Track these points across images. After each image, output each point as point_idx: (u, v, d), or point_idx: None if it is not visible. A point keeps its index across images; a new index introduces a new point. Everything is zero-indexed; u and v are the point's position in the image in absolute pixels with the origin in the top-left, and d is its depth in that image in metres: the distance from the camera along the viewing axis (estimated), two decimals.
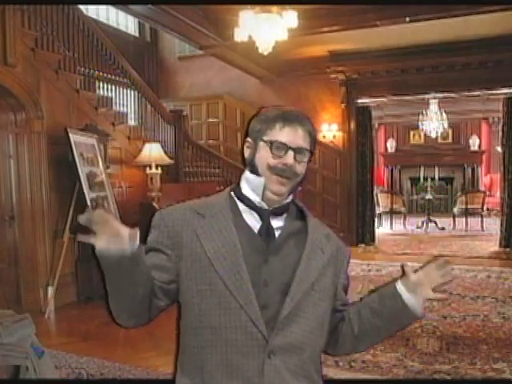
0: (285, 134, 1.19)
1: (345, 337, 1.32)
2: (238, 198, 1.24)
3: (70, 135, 4.48)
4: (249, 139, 1.24)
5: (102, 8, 8.17)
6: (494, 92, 7.71)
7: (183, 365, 1.21)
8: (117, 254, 1.04)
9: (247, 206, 1.22)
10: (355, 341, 1.32)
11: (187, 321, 1.19)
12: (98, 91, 5.88)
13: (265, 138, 1.20)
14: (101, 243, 1.03)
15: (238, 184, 1.27)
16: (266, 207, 1.21)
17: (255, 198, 1.21)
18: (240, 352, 1.12)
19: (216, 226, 1.18)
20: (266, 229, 1.21)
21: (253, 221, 1.22)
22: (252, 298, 1.13)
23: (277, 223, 1.23)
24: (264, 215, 1.21)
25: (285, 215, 1.25)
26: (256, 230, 1.21)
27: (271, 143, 1.18)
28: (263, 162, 1.20)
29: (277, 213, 1.23)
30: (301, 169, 1.21)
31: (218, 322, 1.13)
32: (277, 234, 1.22)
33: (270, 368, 1.12)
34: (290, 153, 1.18)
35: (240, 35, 4.81)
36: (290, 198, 1.25)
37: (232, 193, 1.26)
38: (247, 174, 1.24)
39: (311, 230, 1.26)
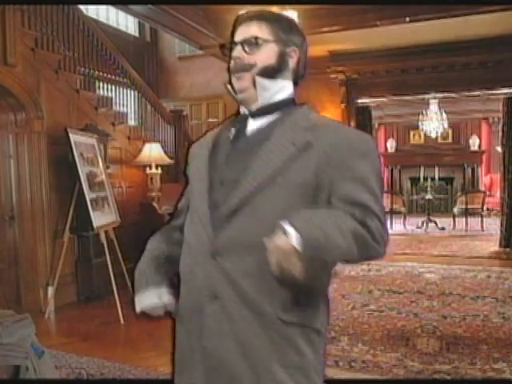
0: (237, 34, 1.18)
1: None
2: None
3: (70, 135, 4.48)
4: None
5: (102, 8, 8.17)
6: (493, 92, 7.70)
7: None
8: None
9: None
10: None
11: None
12: (98, 91, 5.89)
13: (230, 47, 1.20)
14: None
15: None
16: (247, 112, 1.20)
17: (241, 108, 1.23)
18: (194, 256, 1.15)
19: (199, 151, 1.25)
20: (236, 132, 1.20)
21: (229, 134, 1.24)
22: (204, 199, 1.14)
23: (254, 124, 1.18)
24: (241, 120, 1.21)
25: (271, 116, 1.17)
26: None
27: (221, 47, 1.21)
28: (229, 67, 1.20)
29: (258, 114, 1.17)
30: (254, 58, 1.14)
31: (186, 232, 1.22)
32: (251, 133, 1.19)
33: (213, 270, 1.08)
34: (236, 47, 1.16)
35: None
36: (277, 97, 1.18)
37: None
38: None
39: (288, 120, 1.16)
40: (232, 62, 1.16)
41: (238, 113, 1.24)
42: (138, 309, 1.22)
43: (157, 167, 5.84)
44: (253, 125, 1.18)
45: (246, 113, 1.20)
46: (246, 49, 1.15)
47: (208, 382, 1.11)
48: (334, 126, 1.17)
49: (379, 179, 1.13)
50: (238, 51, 1.16)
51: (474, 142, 13.07)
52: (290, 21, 1.22)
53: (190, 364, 1.15)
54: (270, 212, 1.06)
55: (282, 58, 1.17)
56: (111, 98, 6.15)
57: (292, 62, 1.19)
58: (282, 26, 1.18)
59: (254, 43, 1.15)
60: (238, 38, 1.17)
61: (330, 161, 1.07)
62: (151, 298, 1.20)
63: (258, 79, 1.15)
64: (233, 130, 1.20)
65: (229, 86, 1.18)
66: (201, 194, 1.16)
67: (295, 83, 1.24)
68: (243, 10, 4.26)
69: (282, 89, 1.19)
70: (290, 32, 1.19)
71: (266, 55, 1.15)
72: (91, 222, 4.41)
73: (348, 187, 1.07)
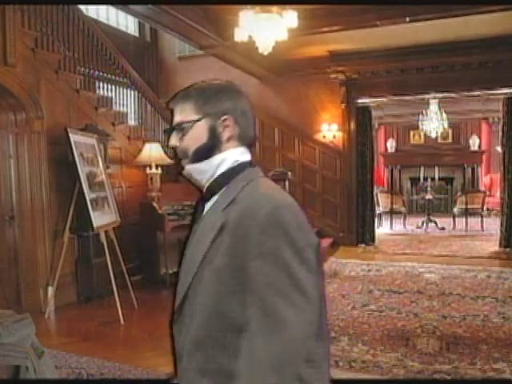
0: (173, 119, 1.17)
1: None
2: None
3: (70, 135, 4.48)
4: None
5: (102, 8, 8.16)
6: (493, 92, 7.70)
7: None
8: None
9: None
10: None
11: None
12: (98, 91, 5.89)
13: None
14: None
15: None
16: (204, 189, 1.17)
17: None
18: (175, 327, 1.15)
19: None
20: (194, 214, 1.21)
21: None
22: (180, 288, 1.13)
23: (206, 207, 1.16)
24: (199, 201, 1.19)
25: (215, 196, 1.13)
26: None
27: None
28: None
29: (208, 197, 1.14)
30: (187, 143, 1.12)
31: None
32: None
33: (180, 373, 1.11)
34: (172, 134, 1.15)
35: (240, 35, 4.80)
36: (218, 173, 1.12)
37: None
38: None
39: (213, 204, 1.12)
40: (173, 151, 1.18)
41: None
42: None
43: (157, 167, 5.84)
44: (206, 207, 1.16)
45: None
46: (178, 135, 1.13)
47: None
48: (249, 198, 1.05)
49: (296, 250, 0.98)
50: (172, 139, 1.15)
51: (474, 142, 13.07)
52: (215, 89, 1.14)
53: None
54: (208, 297, 1.04)
55: (214, 133, 1.11)
56: (111, 98, 6.15)
57: (228, 131, 1.11)
58: (207, 98, 1.12)
59: (180, 129, 1.12)
60: (173, 123, 1.16)
61: (237, 240, 1.00)
62: None
63: (191, 167, 1.13)
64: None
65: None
66: (182, 272, 1.18)
67: (248, 146, 1.17)
68: (243, 9, 4.24)
69: (221, 163, 1.12)
70: (216, 101, 1.11)
71: (197, 136, 1.11)
72: (91, 221, 4.41)
73: (255, 266, 0.97)
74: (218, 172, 1.12)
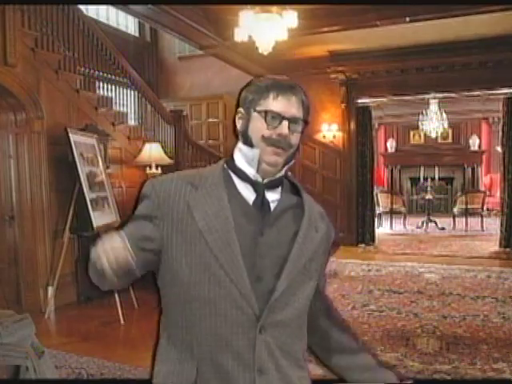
0: (279, 104, 1.15)
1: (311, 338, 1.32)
2: (232, 171, 1.20)
3: (70, 135, 4.48)
4: (241, 109, 1.20)
5: (102, 8, 8.17)
6: (493, 92, 7.71)
7: (169, 341, 1.18)
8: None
9: (241, 178, 1.18)
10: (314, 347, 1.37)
11: (173, 295, 1.17)
12: (98, 91, 5.89)
13: (258, 108, 1.16)
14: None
15: (232, 156, 1.22)
16: (261, 180, 1.18)
17: (250, 171, 1.18)
18: (230, 326, 1.10)
19: (209, 198, 1.14)
20: (261, 201, 1.18)
21: (247, 193, 1.18)
22: (243, 271, 1.10)
23: (272, 196, 1.19)
24: (259, 188, 1.18)
25: (279, 189, 1.21)
26: (251, 202, 1.17)
27: (265, 113, 1.15)
28: (257, 133, 1.16)
29: (271, 186, 1.19)
30: (295, 139, 1.18)
31: (207, 296, 1.10)
32: (272, 206, 1.18)
33: (261, 344, 1.11)
34: (285, 123, 1.14)
35: (240, 35, 4.81)
36: (284, 171, 1.21)
37: (225, 165, 1.22)
38: (241, 145, 1.20)
39: (307, 206, 1.23)
40: (275, 135, 1.15)
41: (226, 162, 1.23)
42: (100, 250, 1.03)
43: (157, 167, 5.84)
44: (271, 196, 1.20)
45: (257, 179, 1.18)
46: (292, 128, 1.16)
47: None
48: (324, 213, 1.32)
49: None
50: (285, 128, 1.15)
51: (474, 142, 13.08)
52: (308, 99, 1.22)
53: None
54: (302, 296, 1.20)
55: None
56: (111, 98, 6.15)
57: None
58: (308, 110, 1.21)
59: (298, 124, 1.17)
60: (282, 111, 1.15)
61: (328, 249, 1.31)
62: (118, 240, 1.04)
63: (290, 163, 1.21)
64: (249, 194, 1.18)
65: (257, 151, 1.16)
66: (235, 263, 1.11)
67: None
68: (243, 9, 4.24)
69: None
70: (309, 111, 1.21)
71: (298, 137, 1.20)
72: (91, 222, 4.41)
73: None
74: (284, 170, 1.22)
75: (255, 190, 1.18)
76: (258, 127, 1.16)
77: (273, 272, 1.14)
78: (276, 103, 1.15)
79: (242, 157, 1.19)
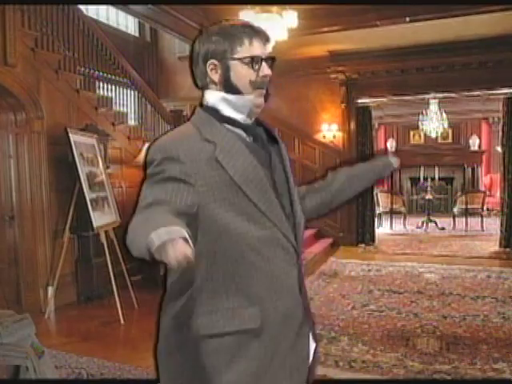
0: (255, 47, 1.19)
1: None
2: (224, 121, 1.20)
3: (70, 135, 4.48)
4: (213, 61, 1.20)
5: (102, 8, 8.16)
6: (493, 92, 7.71)
7: (215, 292, 1.16)
8: None
9: (233, 126, 1.21)
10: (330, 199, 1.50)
11: (221, 249, 1.16)
12: (98, 91, 5.88)
13: (237, 56, 1.18)
14: None
15: (212, 108, 1.22)
16: (249, 122, 1.23)
17: (241, 117, 1.21)
18: (281, 267, 1.18)
19: (233, 150, 1.16)
20: (262, 141, 1.25)
21: (245, 138, 1.22)
22: (282, 214, 1.18)
23: (262, 133, 1.28)
24: (252, 130, 1.23)
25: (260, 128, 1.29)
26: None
27: (251, 59, 1.18)
28: (244, 80, 1.19)
29: (257, 124, 1.27)
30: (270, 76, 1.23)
31: (257, 243, 1.14)
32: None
33: (300, 277, 1.24)
34: (264, 64, 1.20)
35: None
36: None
37: (213, 118, 1.21)
38: (224, 95, 1.20)
39: (274, 131, 1.33)
40: (260, 78, 1.19)
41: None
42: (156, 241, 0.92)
43: None
44: (262, 132, 1.28)
45: (247, 122, 1.23)
46: (270, 66, 1.22)
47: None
48: None
49: None
50: (267, 68, 1.21)
51: (474, 142, 13.06)
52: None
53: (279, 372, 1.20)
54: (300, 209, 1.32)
55: None
56: (111, 98, 6.15)
57: None
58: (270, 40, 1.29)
59: (271, 61, 1.23)
60: (260, 53, 1.20)
61: None
62: (178, 229, 0.95)
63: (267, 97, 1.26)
64: (244, 135, 1.23)
65: (250, 97, 1.20)
66: (274, 209, 1.17)
67: None
68: (243, 9, 4.25)
69: None
70: None
71: None
72: (91, 222, 4.41)
73: None
74: None
75: (248, 133, 1.23)
76: (242, 74, 1.19)
77: (290, 206, 1.23)
78: (253, 48, 1.19)
79: (228, 105, 1.21)
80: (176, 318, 1.20)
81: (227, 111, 1.21)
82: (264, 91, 1.21)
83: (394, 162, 1.58)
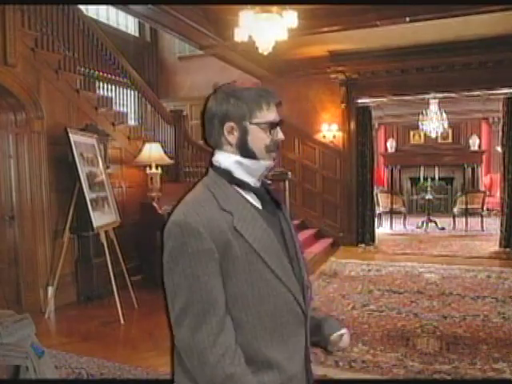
0: (271, 113, 1.22)
1: None
2: (236, 185, 1.21)
3: (70, 135, 4.48)
4: (231, 124, 1.20)
5: (102, 8, 8.17)
6: (493, 92, 7.71)
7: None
8: None
9: (245, 190, 1.22)
10: None
11: (237, 313, 1.16)
12: (98, 91, 5.88)
13: (256, 121, 1.20)
14: None
15: (224, 170, 1.21)
16: (259, 185, 1.25)
17: (251, 180, 1.22)
18: (293, 330, 1.21)
19: (249, 218, 1.17)
20: (271, 206, 1.26)
21: (256, 202, 1.23)
22: (295, 279, 1.21)
23: (266, 196, 1.28)
24: (261, 194, 1.24)
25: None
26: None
27: (270, 125, 1.21)
28: (260, 145, 1.20)
29: (260, 186, 1.27)
30: None
31: (273, 309, 1.17)
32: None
33: (307, 338, 1.26)
34: (278, 128, 1.23)
35: (240, 35, 4.80)
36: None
37: (226, 181, 1.20)
38: (240, 158, 1.21)
39: (276, 195, 1.34)
40: (273, 142, 1.22)
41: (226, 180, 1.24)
42: None
43: (157, 167, 5.84)
44: (266, 196, 1.28)
45: (257, 186, 1.24)
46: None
47: None
48: None
49: None
50: (280, 133, 1.24)
51: (474, 142, 13.06)
52: None
53: None
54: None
55: None
56: (111, 98, 6.15)
57: None
58: None
59: (281, 125, 1.25)
60: (275, 118, 1.23)
61: None
62: None
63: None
64: (257, 203, 1.23)
65: (265, 163, 1.24)
66: (289, 275, 1.19)
67: None
68: (243, 9, 4.24)
69: None
70: None
71: None
72: (91, 222, 4.41)
73: None
74: None
75: (258, 197, 1.23)
76: (259, 139, 1.20)
77: (297, 266, 1.25)
78: (269, 113, 1.21)
79: (242, 168, 1.21)
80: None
81: (240, 174, 1.22)
82: (275, 154, 1.24)
83: (342, 342, 1.42)
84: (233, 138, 1.21)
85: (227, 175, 1.21)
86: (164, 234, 1.15)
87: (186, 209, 1.16)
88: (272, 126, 1.21)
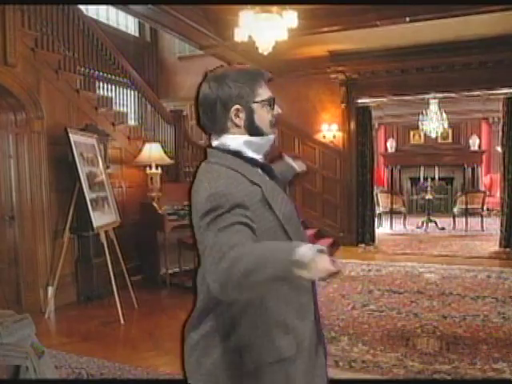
0: (268, 89, 1.28)
1: None
2: (247, 162, 1.26)
3: (70, 135, 4.48)
4: (237, 106, 1.23)
5: (102, 8, 8.17)
6: (493, 92, 7.70)
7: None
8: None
9: (254, 165, 1.27)
10: None
11: None
12: (98, 91, 5.88)
13: (259, 99, 1.25)
14: None
15: (233, 151, 1.24)
16: (260, 157, 1.31)
17: (259, 157, 1.29)
18: (305, 295, 1.29)
19: (273, 191, 1.24)
20: (276, 179, 1.32)
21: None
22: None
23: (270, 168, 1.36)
24: (268, 168, 1.31)
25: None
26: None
27: (270, 101, 1.27)
28: (266, 121, 1.27)
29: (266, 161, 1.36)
30: None
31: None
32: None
33: (315, 301, 1.36)
34: (275, 103, 1.30)
35: (240, 35, 4.80)
36: None
37: (233, 163, 1.22)
38: (249, 138, 1.25)
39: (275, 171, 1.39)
40: (274, 116, 1.29)
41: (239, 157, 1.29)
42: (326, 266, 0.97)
43: (157, 167, 5.84)
44: (272, 171, 1.34)
45: (263, 161, 1.32)
46: None
47: None
48: None
49: None
50: (278, 107, 1.31)
51: (474, 142, 13.05)
52: None
53: None
54: None
55: None
56: (111, 98, 6.15)
57: None
58: None
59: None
60: (272, 93, 1.30)
61: None
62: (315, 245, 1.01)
63: None
64: (260, 171, 1.29)
65: (271, 137, 1.31)
66: (302, 240, 1.21)
67: None
68: (243, 9, 4.23)
69: None
70: None
71: None
72: (91, 222, 4.41)
73: None
74: None
75: (264, 171, 1.29)
76: (264, 116, 1.26)
77: (302, 231, 1.33)
78: (266, 89, 1.28)
79: (250, 147, 1.26)
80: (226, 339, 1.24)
81: (249, 153, 1.26)
82: (275, 128, 1.31)
83: (299, 166, 1.73)
84: (240, 120, 1.24)
85: (237, 155, 1.25)
86: (209, 204, 1.12)
87: (225, 183, 1.16)
88: (271, 101, 1.27)
